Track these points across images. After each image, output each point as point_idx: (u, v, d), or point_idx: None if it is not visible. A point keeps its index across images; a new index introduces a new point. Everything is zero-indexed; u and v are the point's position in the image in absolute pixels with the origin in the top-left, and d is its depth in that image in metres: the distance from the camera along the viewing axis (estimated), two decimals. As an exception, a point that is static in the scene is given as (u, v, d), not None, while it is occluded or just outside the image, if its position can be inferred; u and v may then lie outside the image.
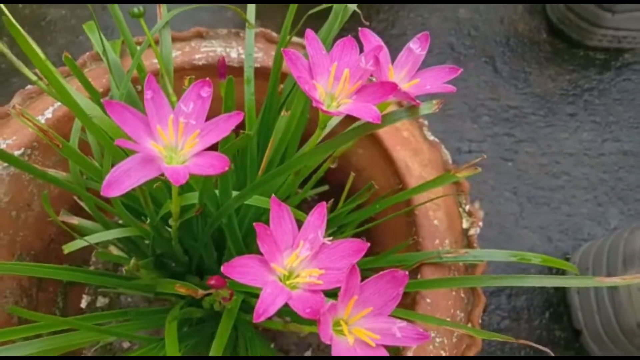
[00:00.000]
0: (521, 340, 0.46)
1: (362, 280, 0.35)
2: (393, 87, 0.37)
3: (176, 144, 0.34)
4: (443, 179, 0.62)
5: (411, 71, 0.41)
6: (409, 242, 0.62)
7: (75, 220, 0.69)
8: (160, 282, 0.55)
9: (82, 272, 0.60)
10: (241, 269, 0.34)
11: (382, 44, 0.40)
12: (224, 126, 0.34)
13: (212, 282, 0.35)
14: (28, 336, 0.59)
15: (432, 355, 0.59)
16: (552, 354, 0.47)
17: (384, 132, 0.74)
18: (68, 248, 0.63)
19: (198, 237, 0.59)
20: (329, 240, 0.37)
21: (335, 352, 0.32)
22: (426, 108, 0.39)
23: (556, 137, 1.31)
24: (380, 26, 1.43)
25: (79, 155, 0.56)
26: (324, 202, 0.38)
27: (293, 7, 0.60)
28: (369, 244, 0.36)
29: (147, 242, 0.65)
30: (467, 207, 0.72)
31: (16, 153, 0.70)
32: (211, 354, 0.42)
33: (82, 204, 0.70)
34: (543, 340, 1.07)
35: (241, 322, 0.65)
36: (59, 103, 0.74)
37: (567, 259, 1.14)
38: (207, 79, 0.35)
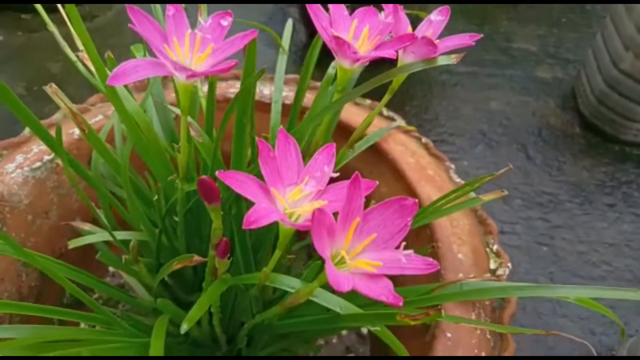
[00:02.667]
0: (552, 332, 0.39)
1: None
2: (411, 37, 0.37)
3: (190, 60, 0.34)
4: (467, 200, 0.59)
5: (432, 37, 0.41)
6: (427, 249, 0.57)
7: (87, 227, 0.68)
8: (158, 274, 0.51)
9: (87, 276, 0.57)
10: (238, 182, 0.31)
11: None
12: (239, 42, 0.34)
13: (205, 177, 0.32)
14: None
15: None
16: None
17: (408, 168, 0.73)
18: (73, 243, 0.61)
19: (204, 235, 0.56)
20: (337, 176, 0.34)
21: (329, 272, 0.28)
22: (444, 59, 0.38)
23: (594, 226, 1.25)
24: (414, 110, 1.48)
25: (102, 143, 0.57)
26: (333, 143, 0.36)
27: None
28: (377, 182, 0.34)
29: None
30: (495, 247, 0.67)
31: (45, 158, 0.72)
32: (192, 311, 0.38)
33: (99, 217, 0.70)
34: None
35: (241, 339, 0.59)
36: (96, 118, 0.77)
37: (613, 354, 1.02)
38: (229, 11, 0.36)
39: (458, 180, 0.74)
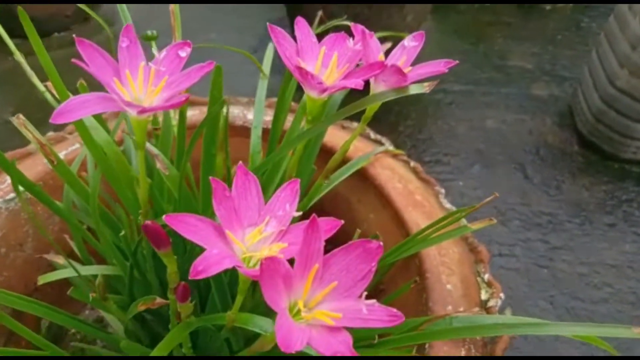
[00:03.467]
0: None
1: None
2: (380, 65, 0.35)
3: (144, 94, 0.32)
4: (455, 229, 0.56)
5: (405, 66, 0.39)
6: (410, 284, 0.54)
7: (60, 260, 0.65)
8: (128, 312, 0.49)
9: (61, 314, 0.55)
10: (187, 226, 0.29)
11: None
12: (195, 74, 0.32)
13: (149, 223, 0.30)
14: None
15: None
16: None
17: (395, 194, 0.70)
18: (43, 279, 0.59)
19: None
20: (299, 215, 0.32)
21: (279, 325, 0.25)
22: (416, 88, 0.36)
23: (595, 247, 1.21)
24: (408, 130, 1.46)
25: (72, 175, 0.55)
26: (297, 179, 0.33)
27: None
28: (342, 222, 0.31)
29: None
30: (487, 277, 0.64)
31: (21, 189, 0.69)
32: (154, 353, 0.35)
33: (75, 249, 0.67)
34: None
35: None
36: (73, 147, 0.75)
37: (617, 382, 0.98)
38: (189, 41, 0.34)
39: (448, 205, 0.72)
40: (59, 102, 0.56)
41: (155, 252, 0.52)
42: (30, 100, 1.45)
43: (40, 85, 0.56)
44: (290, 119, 0.76)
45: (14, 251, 0.69)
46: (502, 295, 0.62)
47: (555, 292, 1.13)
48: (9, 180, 0.70)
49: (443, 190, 0.75)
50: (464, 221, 0.71)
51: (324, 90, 0.35)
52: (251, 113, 0.82)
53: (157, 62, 0.32)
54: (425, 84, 0.36)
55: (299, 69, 0.33)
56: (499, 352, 0.57)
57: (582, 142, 1.43)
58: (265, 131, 0.69)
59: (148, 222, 0.29)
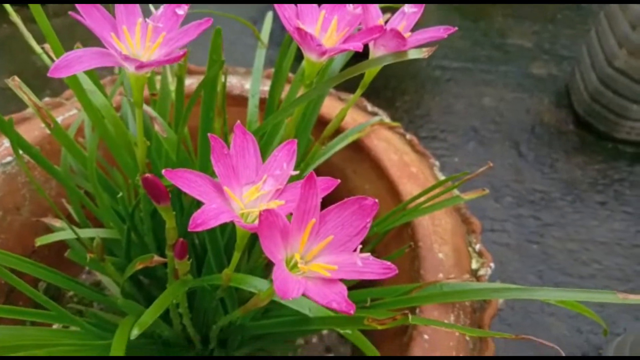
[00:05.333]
0: (521, 336, 0.38)
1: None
2: (380, 29, 0.35)
3: (142, 51, 0.32)
4: (448, 199, 0.57)
5: (405, 30, 0.39)
6: (405, 249, 0.55)
7: (58, 223, 0.66)
8: (127, 271, 0.49)
9: (58, 275, 0.55)
10: (187, 182, 0.29)
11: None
12: (192, 32, 0.32)
13: (149, 175, 0.30)
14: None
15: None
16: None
17: (390, 165, 0.71)
18: (41, 241, 0.60)
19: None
20: (297, 174, 0.32)
21: (276, 275, 0.26)
22: (415, 53, 0.36)
23: (585, 224, 1.23)
24: (405, 106, 1.46)
25: (70, 140, 0.55)
26: (295, 140, 0.34)
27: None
28: (339, 181, 0.32)
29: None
30: (478, 247, 0.65)
31: (21, 153, 0.69)
32: (145, 315, 0.36)
33: (72, 212, 0.68)
34: None
35: (214, 344, 0.57)
36: (70, 112, 0.75)
37: (600, 354, 1.01)
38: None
39: (442, 177, 0.73)
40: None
41: (153, 214, 0.53)
42: (27, 67, 1.44)
43: (37, 48, 0.55)
44: (287, 88, 0.76)
45: (11, 214, 0.69)
46: (492, 265, 0.64)
47: (544, 268, 1.15)
48: (6, 143, 0.70)
49: (437, 163, 0.76)
50: (456, 191, 0.72)
51: (323, 53, 0.35)
52: (249, 83, 0.82)
53: (154, 19, 0.32)
54: (424, 49, 0.36)
55: (299, 29, 0.33)
56: (487, 319, 0.59)
57: (578, 122, 1.43)
58: (262, 100, 0.70)
59: (148, 175, 0.30)
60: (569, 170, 1.33)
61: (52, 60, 0.58)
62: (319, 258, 0.29)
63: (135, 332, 0.35)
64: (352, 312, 0.25)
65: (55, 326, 0.77)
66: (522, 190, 1.29)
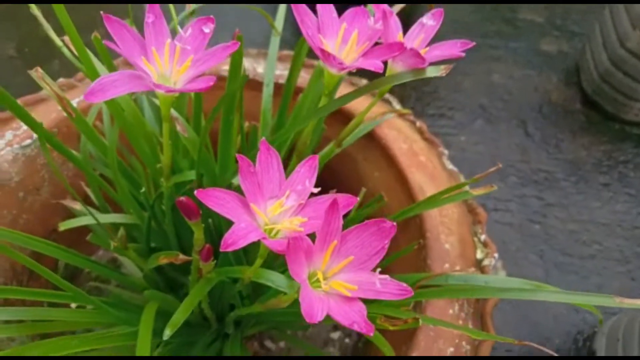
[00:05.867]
0: (523, 342, 0.40)
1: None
2: (400, 46, 0.36)
3: (170, 71, 0.34)
4: (457, 194, 0.59)
5: (422, 44, 0.40)
6: (413, 245, 0.57)
7: (77, 206, 0.68)
8: (148, 262, 0.52)
9: (78, 256, 0.58)
10: (217, 200, 0.31)
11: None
12: (220, 54, 0.33)
13: (183, 199, 0.32)
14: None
15: (429, 382, 0.53)
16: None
17: (400, 153, 0.73)
18: (64, 225, 0.62)
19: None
20: (318, 191, 0.34)
21: (303, 296, 0.28)
22: (433, 71, 0.37)
23: (588, 205, 1.25)
24: (413, 83, 1.45)
25: (90, 127, 0.57)
26: (316, 155, 0.35)
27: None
28: (357, 199, 0.33)
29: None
30: (483, 237, 0.67)
31: (36, 135, 0.71)
32: (176, 315, 0.39)
33: (90, 194, 0.70)
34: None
35: (228, 326, 0.61)
36: (80, 97, 0.76)
37: (595, 332, 1.05)
38: (212, 16, 0.35)
39: (451, 167, 0.74)
40: (74, 55, 0.57)
41: (174, 207, 0.55)
42: (32, 36, 1.43)
43: (57, 41, 0.56)
44: (303, 74, 0.76)
45: (31, 195, 0.72)
46: (496, 255, 0.66)
47: (545, 247, 1.18)
48: (24, 126, 0.72)
49: (446, 152, 0.77)
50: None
51: (343, 69, 0.36)
52: (261, 66, 0.82)
53: (181, 40, 0.33)
54: (442, 67, 0.37)
55: (322, 51, 0.34)
56: (489, 308, 0.62)
57: (586, 101, 1.43)
58: (276, 86, 0.70)
59: (182, 198, 0.32)
60: (574, 150, 1.34)
61: (70, 51, 0.59)
62: (340, 275, 0.31)
63: (167, 333, 0.37)
64: (371, 333, 0.27)
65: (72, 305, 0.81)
66: (527, 170, 1.30)
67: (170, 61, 0.33)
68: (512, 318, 1.08)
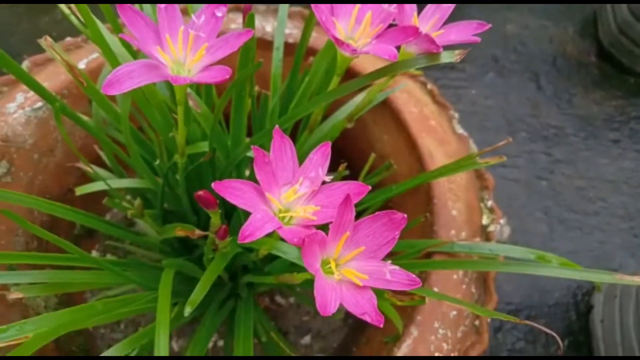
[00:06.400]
0: (527, 322, 0.42)
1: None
2: (414, 31, 0.35)
3: (184, 58, 0.34)
4: (464, 162, 0.59)
5: (437, 24, 0.40)
6: (420, 219, 0.59)
7: (91, 169, 0.69)
8: (163, 230, 0.54)
9: (93, 218, 0.59)
10: (233, 191, 0.32)
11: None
12: (233, 42, 0.33)
13: (201, 193, 0.34)
14: (35, 266, 0.59)
15: (433, 344, 0.56)
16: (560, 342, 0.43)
17: (410, 118, 0.72)
18: (80, 190, 0.64)
19: (206, 187, 0.58)
20: (330, 180, 0.35)
21: (317, 286, 0.30)
22: (447, 56, 0.37)
23: (596, 162, 1.25)
24: (424, 32, 1.42)
25: (101, 95, 0.57)
26: (329, 142, 0.36)
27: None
28: (369, 187, 0.34)
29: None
30: (490, 203, 0.68)
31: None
32: (194, 294, 0.41)
33: (102, 155, 0.71)
34: (559, 368, 1.01)
35: (242, 288, 0.63)
36: (93, 56, 0.75)
37: (594, 287, 1.08)
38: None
39: (461, 131, 0.74)
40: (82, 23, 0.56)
41: (188, 176, 0.56)
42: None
43: (65, 9, 0.55)
44: (315, 34, 0.75)
45: (46, 157, 0.73)
46: (501, 221, 0.68)
47: (551, 204, 1.19)
48: (35, 88, 0.72)
49: (457, 115, 0.77)
50: (474, 148, 0.74)
51: (356, 54, 0.36)
52: (269, 25, 0.80)
53: (195, 26, 0.33)
54: (457, 52, 0.37)
55: (336, 39, 0.34)
56: (492, 273, 0.64)
57: (601, 54, 1.40)
58: (286, 45, 0.69)
59: (200, 192, 0.33)
60: (585, 105, 1.33)
61: (78, 19, 0.58)
62: (352, 263, 0.32)
63: (188, 310, 0.40)
64: (381, 324, 0.29)
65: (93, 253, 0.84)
66: (536, 125, 1.29)
67: (184, 48, 0.33)
68: (513, 281, 1.11)
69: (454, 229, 0.65)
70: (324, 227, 0.33)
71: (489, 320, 0.61)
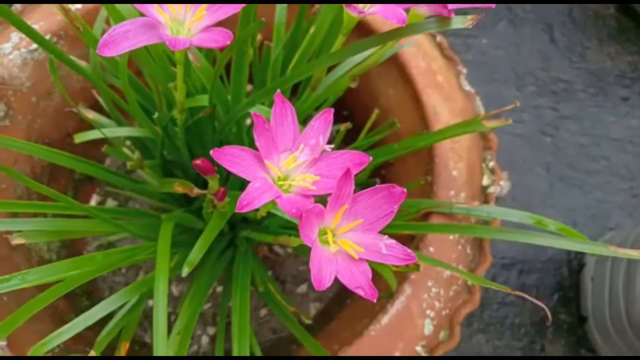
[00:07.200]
0: (517, 292, 0.43)
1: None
2: (426, -6, 0.33)
3: (183, 17, 0.32)
4: (469, 125, 0.58)
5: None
6: (420, 181, 0.59)
7: (91, 115, 0.68)
8: (162, 183, 0.54)
9: (93, 166, 0.59)
10: (232, 158, 0.32)
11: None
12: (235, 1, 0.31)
13: (198, 162, 0.33)
14: (36, 213, 0.60)
15: (425, 302, 0.58)
16: (549, 316, 0.45)
17: (417, 73, 0.70)
18: (79, 138, 0.63)
19: (207, 145, 0.57)
20: (331, 148, 0.34)
21: (313, 258, 0.30)
22: (459, 21, 0.35)
23: (602, 119, 1.23)
24: (437, -24, 1.35)
25: (97, 41, 0.55)
26: (331, 109, 0.35)
27: None
28: (370, 158, 0.34)
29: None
30: (491, 164, 0.68)
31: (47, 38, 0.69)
32: (194, 251, 0.41)
33: (101, 101, 0.69)
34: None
35: (241, 241, 0.64)
36: (87, -3, 0.72)
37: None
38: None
39: (467, 88, 0.72)
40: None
41: (187, 129, 0.55)
42: None
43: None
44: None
45: (44, 100, 0.72)
46: (502, 183, 0.68)
47: (552, 160, 1.19)
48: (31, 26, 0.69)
49: (465, 71, 0.75)
50: (480, 105, 0.73)
51: (362, 14, 0.35)
52: (275, -34, 0.76)
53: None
54: (469, 17, 0.35)
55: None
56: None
57: (621, 5, 1.34)
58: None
59: (198, 161, 0.32)
60: (598, 60, 1.29)
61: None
62: (349, 234, 0.33)
63: (185, 270, 0.40)
64: (375, 299, 0.30)
65: (92, 202, 0.84)
66: (546, 79, 1.26)
67: (183, 6, 0.31)
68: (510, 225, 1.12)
69: (453, 189, 0.64)
70: (323, 196, 0.33)
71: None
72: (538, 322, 1.06)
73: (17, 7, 0.71)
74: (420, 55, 0.72)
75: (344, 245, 0.32)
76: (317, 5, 0.65)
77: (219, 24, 0.32)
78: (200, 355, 0.70)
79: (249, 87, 0.80)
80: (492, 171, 0.68)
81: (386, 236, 0.32)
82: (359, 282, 0.30)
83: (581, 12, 1.34)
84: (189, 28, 0.32)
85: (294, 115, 0.34)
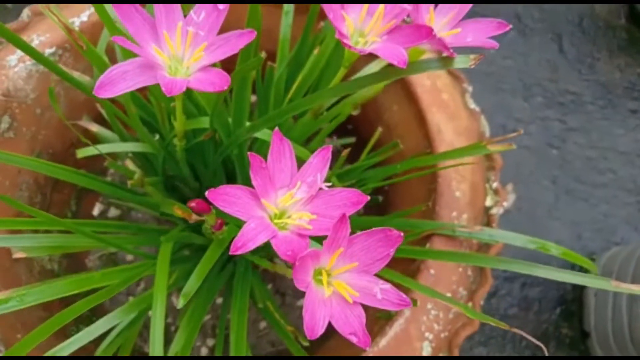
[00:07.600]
0: (516, 329, 0.43)
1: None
2: (428, 32, 0.33)
3: (182, 55, 0.32)
4: (473, 148, 0.58)
5: (454, 19, 0.37)
6: (422, 207, 0.58)
7: (94, 128, 0.69)
8: (163, 202, 0.54)
9: (94, 180, 0.59)
10: (227, 198, 0.32)
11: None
12: (235, 42, 0.31)
13: (193, 204, 0.33)
14: (37, 230, 0.60)
15: (424, 324, 0.58)
16: (546, 352, 0.44)
17: (422, 91, 0.70)
18: (82, 153, 0.63)
19: (209, 163, 0.57)
20: (328, 187, 0.34)
21: (307, 301, 0.30)
22: (461, 62, 0.35)
23: (610, 132, 1.22)
24: (446, -17, 1.34)
25: (101, 59, 0.55)
26: (330, 146, 0.35)
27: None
28: (368, 197, 0.34)
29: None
30: (495, 185, 0.68)
31: (47, 52, 0.69)
32: (191, 281, 0.41)
33: (104, 113, 0.70)
34: (549, 335, 1.03)
35: (240, 261, 0.64)
36: (88, 12, 0.72)
37: (593, 260, 1.09)
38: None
39: (473, 106, 0.72)
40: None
41: (189, 150, 0.55)
42: None
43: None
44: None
45: (48, 111, 0.72)
46: (505, 204, 0.67)
47: (559, 173, 1.18)
48: (36, 40, 0.69)
49: (470, 89, 0.74)
50: (486, 124, 0.72)
51: (362, 52, 0.34)
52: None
53: (194, 22, 0.31)
54: (472, 57, 0.35)
55: (341, 34, 0.32)
56: (492, 253, 0.64)
57: (631, 15, 1.32)
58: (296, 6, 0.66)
59: (193, 203, 0.32)
60: (608, 72, 1.27)
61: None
62: (344, 275, 0.32)
63: (181, 302, 0.40)
64: (368, 346, 0.29)
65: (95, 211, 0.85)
66: (554, 90, 1.25)
67: (182, 43, 0.31)
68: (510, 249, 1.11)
69: (455, 210, 0.64)
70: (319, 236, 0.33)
71: (481, 303, 0.62)
72: (540, 336, 1.06)
73: (24, 18, 0.71)
74: (426, 72, 0.72)
75: (338, 288, 0.32)
76: (322, 23, 0.65)
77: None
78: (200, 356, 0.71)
79: (253, 98, 0.80)
80: (496, 192, 0.67)
81: (382, 280, 0.32)
82: (353, 327, 0.30)
83: (591, 23, 1.32)
84: (187, 67, 0.32)
85: (291, 152, 0.34)
